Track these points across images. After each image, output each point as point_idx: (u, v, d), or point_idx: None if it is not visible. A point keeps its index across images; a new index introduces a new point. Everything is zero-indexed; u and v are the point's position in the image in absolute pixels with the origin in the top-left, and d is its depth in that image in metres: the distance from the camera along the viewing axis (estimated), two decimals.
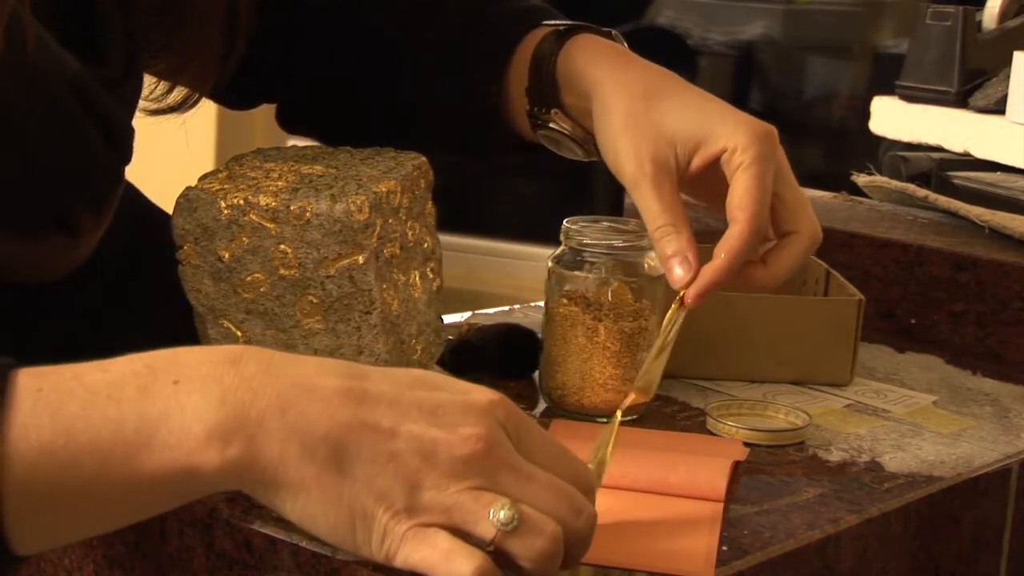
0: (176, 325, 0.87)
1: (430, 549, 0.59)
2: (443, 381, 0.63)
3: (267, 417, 0.58)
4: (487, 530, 0.60)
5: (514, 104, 0.95)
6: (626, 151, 0.86)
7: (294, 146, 0.90)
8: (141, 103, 0.91)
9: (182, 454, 0.58)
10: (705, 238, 1.22)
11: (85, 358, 0.65)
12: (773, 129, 0.86)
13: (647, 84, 0.88)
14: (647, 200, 0.84)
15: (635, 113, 0.86)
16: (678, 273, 0.83)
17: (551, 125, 0.93)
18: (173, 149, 1.26)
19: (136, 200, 0.99)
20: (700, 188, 0.88)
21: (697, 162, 0.85)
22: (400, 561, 0.60)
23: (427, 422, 0.60)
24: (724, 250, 0.83)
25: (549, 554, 0.61)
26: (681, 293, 0.83)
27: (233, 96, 1.02)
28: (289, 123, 1.05)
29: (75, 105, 0.78)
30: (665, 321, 0.83)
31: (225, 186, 0.81)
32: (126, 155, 0.84)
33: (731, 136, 0.84)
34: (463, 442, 0.60)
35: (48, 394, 0.58)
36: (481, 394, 0.62)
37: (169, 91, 0.93)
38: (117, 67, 0.84)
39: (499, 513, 0.60)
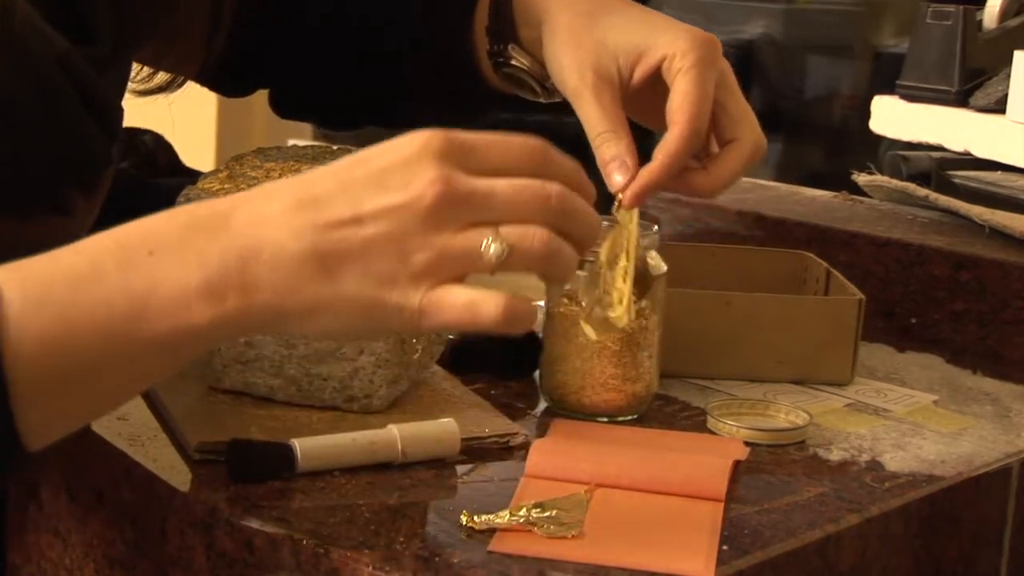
0: None
1: (451, 308, 0.62)
2: (373, 150, 0.64)
3: (246, 264, 0.60)
4: (486, 267, 0.62)
5: (479, 49, 0.96)
6: (569, 64, 0.87)
7: (294, 145, 0.90)
8: (128, 85, 0.92)
9: (180, 319, 0.60)
10: (705, 238, 1.23)
11: None
12: (715, 38, 0.87)
13: (592, 3, 0.89)
14: (588, 108, 0.85)
15: (578, 28, 0.88)
16: (617, 178, 0.84)
17: (512, 62, 0.94)
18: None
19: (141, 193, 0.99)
20: (645, 106, 0.89)
21: (639, 73, 0.86)
22: (427, 330, 0.63)
23: (381, 193, 0.62)
24: (661, 152, 0.84)
25: (549, 256, 0.63)
26: (619, 197, 0.83)
27: (226, 82, 1.03)
28: (282, 107, 1.05)
29: (64, 82, 0.79)
30: (618, 238, 0.82)
31: (225, 186, 0.81)
32: (115, 135, 0.85)
33: (672, 44, 0.85)
34: (421, 195, 0.61)
35: (32, 285, 0.59)
36: (411, 141, 0.63)
37: (155, 72, 0.94)
38: (106, 48, 0.85)
39: (490, 249, 0.62)
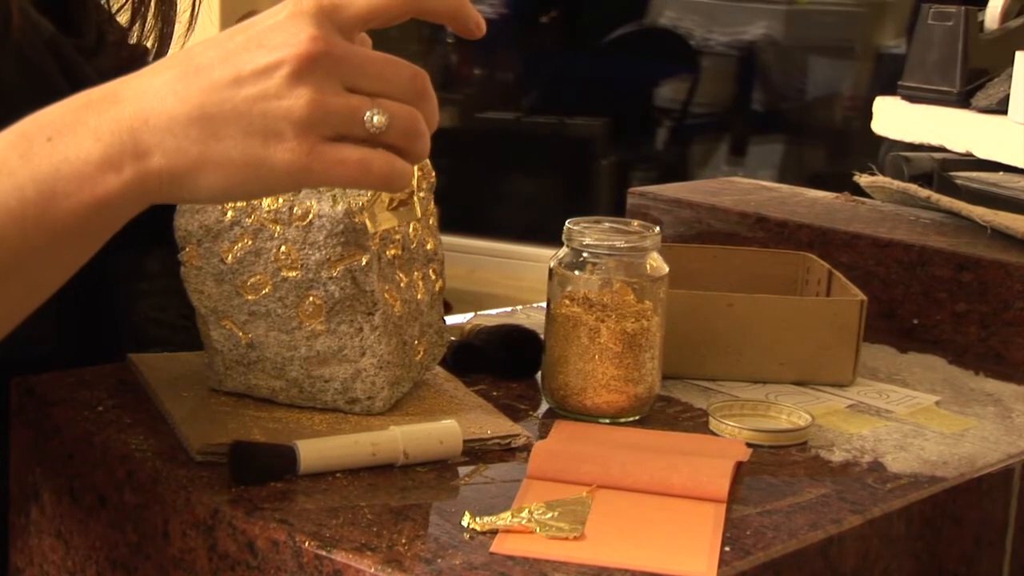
0: (178, 324, 0.87)
1: (342, 164, 0.63)
2: (253, 19, 0.65)
3: (136, 132, 0.63)
4: (367, 134, 0.64)
5: None
6: None
7: None
8: None
9: (87, 194, 0.63)
10: (707, 239, 1.23)
11: (88, 350, 0.66)
12: None
13: None
14: None
15: None
16: None
17: None
18: None
19: None
20: None
21: None
22: (317, 185, 0.64)
23: (261, 54, 0.63)
24: None
25: (420, 135, 0.65)
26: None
27: None
28: None
29: (53, 66, 0.79)
30: None
31: None
32: None
33: None
34: (299, 52, 0.62)
35: None
36: (286, 5, 0.64)
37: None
38: (90, 39, 0.86)
39: (373, 118, 0.64)
